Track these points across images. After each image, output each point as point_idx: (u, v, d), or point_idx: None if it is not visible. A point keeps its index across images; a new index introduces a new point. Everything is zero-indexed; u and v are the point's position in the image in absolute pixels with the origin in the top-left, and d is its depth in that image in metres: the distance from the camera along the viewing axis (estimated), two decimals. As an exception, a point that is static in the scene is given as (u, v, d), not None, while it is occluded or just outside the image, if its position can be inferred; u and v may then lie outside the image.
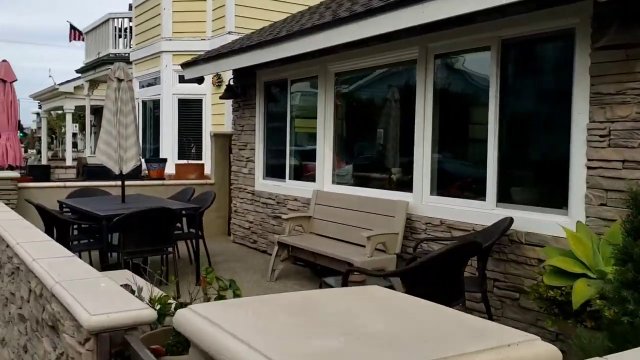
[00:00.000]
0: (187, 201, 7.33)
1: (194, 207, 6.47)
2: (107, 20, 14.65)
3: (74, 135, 59.42)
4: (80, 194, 7.74)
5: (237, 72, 8.60)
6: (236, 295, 3.40)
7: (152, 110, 12.49)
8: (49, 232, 6.38)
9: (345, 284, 3.88)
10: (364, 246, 5.75)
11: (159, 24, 11.67)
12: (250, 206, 8.38)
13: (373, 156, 6.64)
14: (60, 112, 27.26)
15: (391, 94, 6.44)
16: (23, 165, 8.89)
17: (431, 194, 5.57)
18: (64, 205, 7.29)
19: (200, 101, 11.47)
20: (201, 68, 8.36)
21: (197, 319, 1.33)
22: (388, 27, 5.10)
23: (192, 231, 6.91)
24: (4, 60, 8.73)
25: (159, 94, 11.72)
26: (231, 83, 8.67)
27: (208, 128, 11.27)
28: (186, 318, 1.37)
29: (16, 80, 8.71)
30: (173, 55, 11.47)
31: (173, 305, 3.49)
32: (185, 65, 8.81)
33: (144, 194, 8.14)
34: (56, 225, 6.20)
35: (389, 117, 6.44)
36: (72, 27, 19.83)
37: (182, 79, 11.50)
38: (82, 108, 20.05)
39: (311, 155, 7.34)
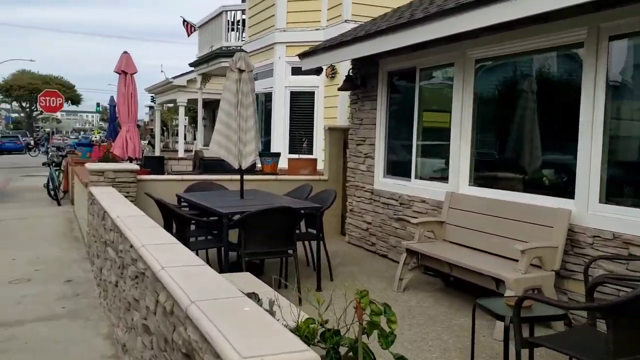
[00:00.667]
0: (305, 199, 6.87)
1: (316, 207, 5.98)
2: (221, 13, 14.67)
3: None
4: (198, 188, 7.54)
5: (356, 62, 8.03)
6: (390, 322, 2.83)
7: (263, 103, 12.27)
8: (167, 227, 6.19)
9: (518, 312, 3.16)
10: (513, 259, 4.98)
11: (273, 15, 11.38)
12: (369, 206, 7.79)
13: (519, 154, 5.79)
14: (171, 105, 28.31)
15: (542, 83, 5.56)
16: (140, 157, 8.90)
17: (600, 201, 4.66)
18: (182, 200, 7.10)
19: (312, 94, 11.05)
20: (320, 58, 7.87)
21: None
22: (554, 4, 4.27)
23: (311, 232, 6.44)
24: (125, 52, 8.75)
25: (272, 87, 11.45)
26: (350, 73, 8.12)
27: (320, 121, 10.84)
28: None
29: (136, 72, 8.71)
30: (287, 46, 11.13)
31: (319, 333, 2.96)
32: (303, 56, 8.37)
33: (258, 189, 7.82)
34: (176, 220, 5.95)
35: (539, 109, 5.57)
36: (186, 22, 20.29)
37: (294, 71, 11.17)
38: (194, 101, 20.50)
39: (441, 153, 6.62)
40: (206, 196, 6.79)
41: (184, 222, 5.75)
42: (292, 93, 11.22)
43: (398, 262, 7.02)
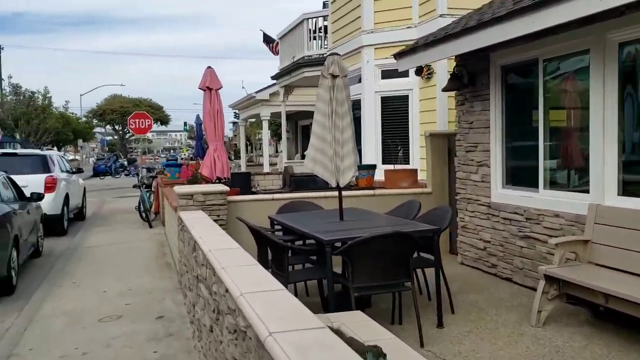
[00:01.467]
0: (413, 218, 6.02)
1: (433, 229, 5.11)
2: (302, 21, 14.14)
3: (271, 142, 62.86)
4: (290, 208, 6.89)
5: (463, 58, 7.09)
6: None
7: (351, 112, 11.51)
8: (261, 255, 5.58)
9: None
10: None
11: (359, 17, 10.63)
12: (486, 222, 6.80)
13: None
14: (253, 120, 28.34)
15: None
16: (228, 177, 8.39)
17: None
18: (275, 222, 6.47)
19: (405, 98, 10.17)
20: (421, 56, 7.00)
21: None
22: None
23: (425, 257, 5.58)
24: (209, 67, 8.30)
25: (360, 93, 10.68)
26: (455, 71, 7.19)
27: (415, 127, 9.94)
28: None
29: (221, 87, 8.22)
30: (375, 48, 10.34)
31: None
32: (399, 55, 7.53)
33: (355, 206, 7.06)
34: (272, 248, 5.30)
35: None
36: (266, 36, 20.08)
37: (385, 75, 10.36)
38: (277, 114, 20.19)
39: (577, 157, 5.55)
40: (301, 218, 6.11)
41: (282, 251, 5.07)
42: (382, 98, 10.40)
43: (526, 287, 6.03)
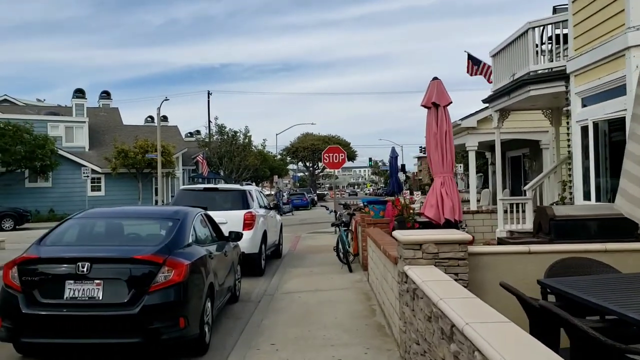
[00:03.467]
0: None
1: None
2: (526, 31, 11.84)
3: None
4: (566, 267, 4.76)
5: None
6: None
7: (606, 135, 8.95)
8: (538, 334, 3.58)
9: None
10: None
11: (621, 10, 8.14)
12: None
13: None
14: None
15: None
16: (461, 219, 6.47)
17: None
18: (548, 290, 4.42)
19: (697, 113, 7.36)
20: None
21: None
22: None
23: None
24: (435, 78, 6.58)
25: (623, 110, 8.10)
26: None
27: None
28: None
29: (451, 102, 6.45)
30: (647, 49, 7.75)
31: None
32: None
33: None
34: (573, 335, 3.25)
35: None
36: (471, 58, 18.07)
37: (663, 83, 7.69)
38: (484, 145, 17.89)
39: None
40: (598, 287, 3.96)
41: (585, 343, 2.99)
42: (661, 115, 7.69)
43: None
